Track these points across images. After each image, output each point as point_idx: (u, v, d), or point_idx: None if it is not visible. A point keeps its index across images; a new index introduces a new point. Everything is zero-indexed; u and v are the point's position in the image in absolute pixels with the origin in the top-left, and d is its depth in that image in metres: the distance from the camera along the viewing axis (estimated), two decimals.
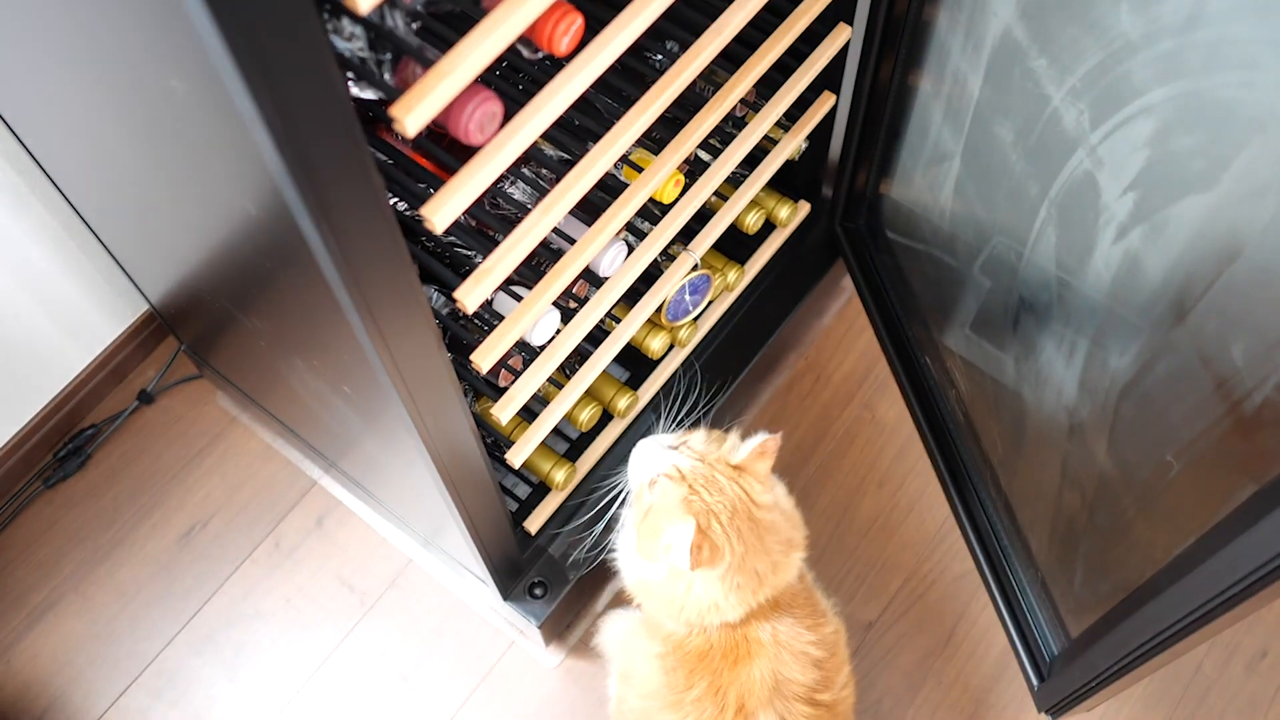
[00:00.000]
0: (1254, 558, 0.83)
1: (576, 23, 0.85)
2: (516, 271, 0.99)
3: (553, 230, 1.04)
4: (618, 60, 0.88)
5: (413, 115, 0.73)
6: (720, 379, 1.51)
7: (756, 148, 1.23)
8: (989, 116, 1.20)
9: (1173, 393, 1.02)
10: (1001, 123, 1.18)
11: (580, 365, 1.20)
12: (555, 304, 1.12)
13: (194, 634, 1.51)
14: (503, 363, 1.15)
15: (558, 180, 0.97)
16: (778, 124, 1.31)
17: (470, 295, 0.93)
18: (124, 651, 1.50)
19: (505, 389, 1.10)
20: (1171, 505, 1.05)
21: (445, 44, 0.78)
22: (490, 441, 1.27)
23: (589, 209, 1.08)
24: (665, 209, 1.16)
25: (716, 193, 1.25)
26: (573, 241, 1.06)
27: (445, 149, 1.02)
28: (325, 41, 0.58)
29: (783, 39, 1.12)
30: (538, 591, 1.37)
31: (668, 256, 1.29)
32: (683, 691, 1.08)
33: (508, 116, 0.85)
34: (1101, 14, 0.96)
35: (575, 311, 1.13)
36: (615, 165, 1.13)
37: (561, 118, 0.88)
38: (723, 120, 1.12)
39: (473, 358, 1.02)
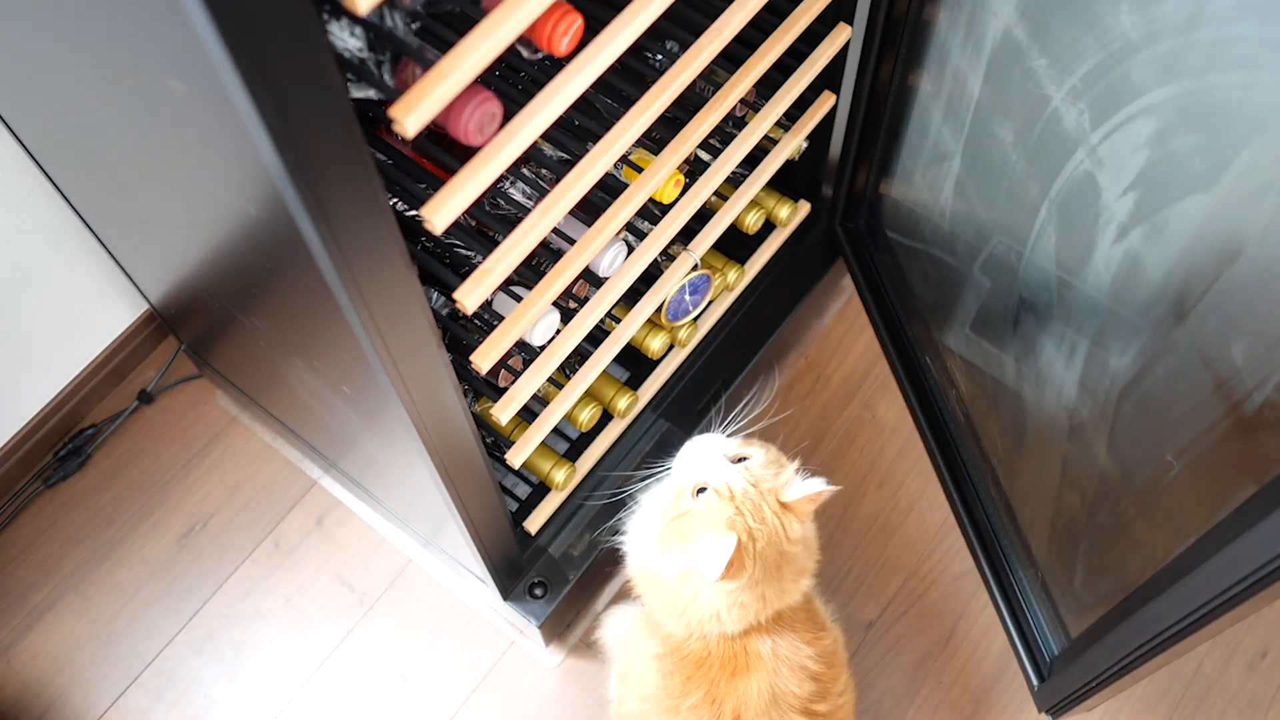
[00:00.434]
0: (1254, 558, 0.83)
1: (576, 23, 0.85)
2: (516, 272, 0.99)
3: (553, 230, 1.04)
4: (618, 60, 0.88)
5: (412, 116, 0.73)
6: (720, 379, 1.51)
7: (756, 148, 1.23)
8: (989, 116, 1.20)
9: (1173, 393, 1.02)
10: (1002, 123, 1.18)
11: (580, 365, 1.20)
12: (555, 304, 1.12)
13: (194, 634, 1.51)
14: (503, 363, 1.15)
15: (558, 180, 0.97)
16: (778, 124, 1.31)
17: (470, 295, 0.93)
18: (124, 651, 1.50)
19: (505, 389, 1.10)
20: (1171, 505, 1.05)
21: (445, 44, 0.78)
22: (490, 441, 1.27)
23: (589, 209, 1.08)
24: (665, 209, 1.16)
25: (716, 193, 1.25)
26: (573, 242, 1.06)
27: (445, 149, 1.02)
28: (325, 42, 0.58)
29: (783, 39, 1.12)
30: (538, 591, 1.37)
31: (668, 256, 1.29)
32: (679, 697, 1.08)
33: (507, 117, 0.85)
34: (1101, 14, 0.96)
35: (575, 311, 1.13)
36: (615, 165, 1.13)
37: (561, 118, 0.88)
38: (723, 120, 1.12)
39: (473, 358, 1.02)
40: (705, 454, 1.07)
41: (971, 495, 1.49)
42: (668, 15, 0.99)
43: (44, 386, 1.55)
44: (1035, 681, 1.36)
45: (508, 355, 1.05)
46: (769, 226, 1.45)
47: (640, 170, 1.12)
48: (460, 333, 1.09)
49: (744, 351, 1.54)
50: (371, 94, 0.83)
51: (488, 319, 1.10)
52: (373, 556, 1.56)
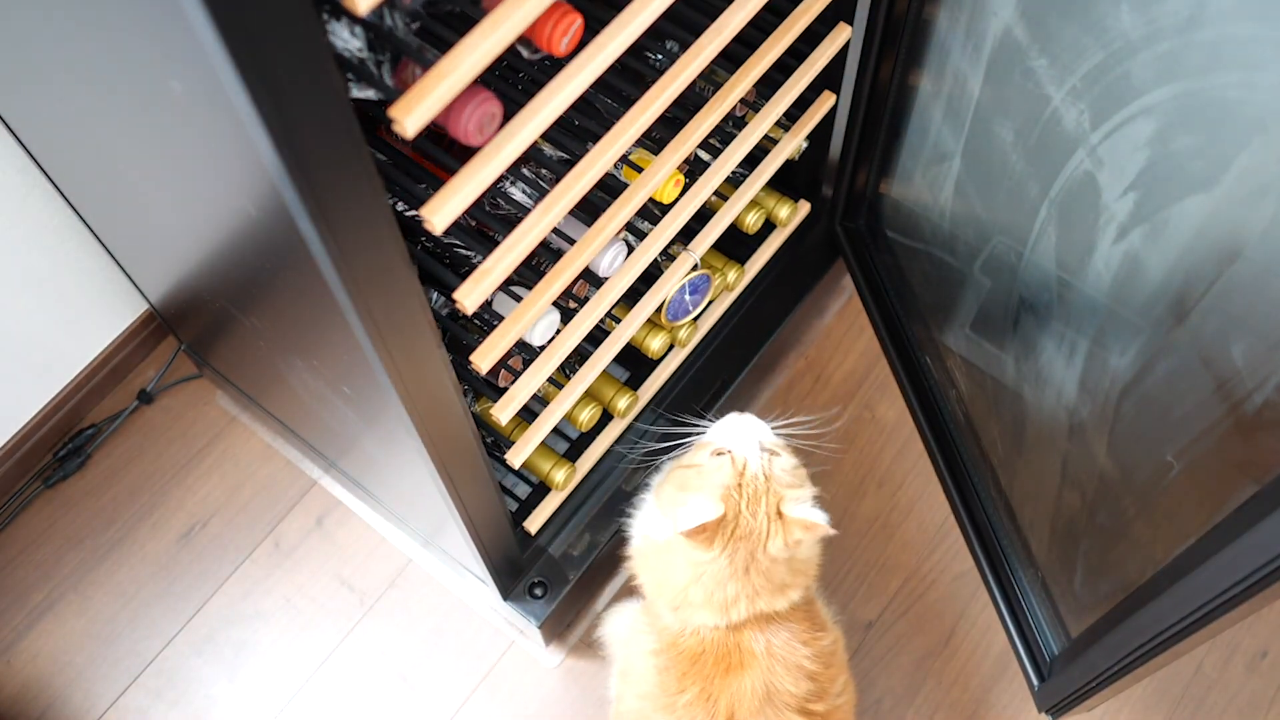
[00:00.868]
0: (1254, 558, 0.83)
1: (576, 23, 0.85)
2: (516, 272, 0.99)
3: (553, 230, 1.04)
4: (617, 60, 0.88)
5: (412, 116, 0.73)
6: (720, 379, 1.51)
7: (756, 147, 1.23)
8: (989, 116, 1.20)
9: (1173, 393, 1.02)
10: (1002, 122, 1.18)
11: (580, 365, 1.20)
12: (555, 304, 1.12)
13: (194, 634, 1.51)
14: (503, 363, 1.15)
15: (558, 180, 0.96)
16: (778, 124, 1.31)
17: (470, 296, 0.93)
18: (124, 651, 1.50)
19: (505, 389, 1.10)
20: (1171, 505, 1.05)
21: (445, 45, 0.78)
22: (490, 441, 1.27)
23: (589, 209, 1.08)
24: (665, 209, 1.16)
25: (716, 192, 1.25)
26: (573, 241, 1.06)
27: (445, 149, 1.02)
28: (325, 42, 0.58)
29: (783, 39, 1.12)
30: (538, 591, 1.37)
31: (668, 256, 1.29)
32: (675, 695, 1.08)
33: (507, 117, 0.85)
34: (1102, 14, 0.96)
35: (575, 311, 1.13)
36: (615, 165, 1.13)
37: (561, 118, 0.88)
38: (723, 120, 1.12)
39: (473, 358, 1.02)
40: (743, 426, 1.08)
41: (971, 495, 1.49)
42: (668, 15, 0.99)
43: (44, 386, 1.55)
44: (1035, 681, 1.36)
45: (508, 355, 1.05)
46: (769, 226, 1.45)
47: (640, 170, 1.12)
48: (460, 333, 1.09)
49: (744, 351, 1.54)
50: (371, 94, 0.83)
51: (488, 319, 1.10)
52: (373, 556, 1.56)
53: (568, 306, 1.16)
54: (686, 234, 1.26)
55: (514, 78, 1.11)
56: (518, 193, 1.10)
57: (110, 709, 1.47)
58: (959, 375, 1.50)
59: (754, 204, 1.37)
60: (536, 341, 1.11)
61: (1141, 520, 1.11)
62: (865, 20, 1.24)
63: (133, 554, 1.56)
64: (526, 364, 1.10)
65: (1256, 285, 0.88)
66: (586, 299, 1.14)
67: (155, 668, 1.49)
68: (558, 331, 1.13)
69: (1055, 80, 1.06)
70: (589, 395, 1.33)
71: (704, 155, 1.21)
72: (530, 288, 1.03)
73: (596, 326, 1.15)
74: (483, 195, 0.87)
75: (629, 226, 1.20)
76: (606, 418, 1.37)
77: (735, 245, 1.44)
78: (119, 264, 1.39)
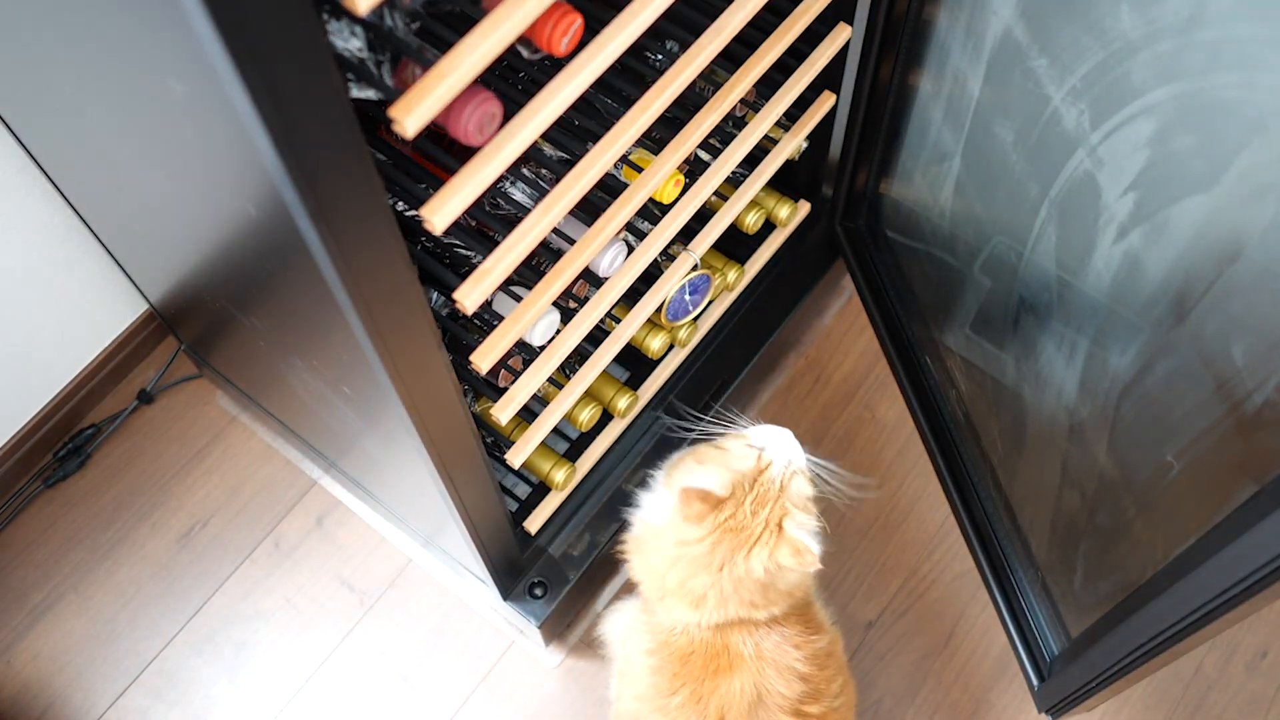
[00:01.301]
0: (1254, 558, 0.83)
1: (576, 23, 0.85)
2: (516, 272, 0.99)
3: (553, 230, 1.04)
4: (617, 60, 0.88)
5: (412, 116, 0.73)
6: (720, 379, 1.51)
7: (756, 147, 1.23)
8: (989, 116, 1.20)
9: (1173, 393, 1.02)
10: (1002, 122, 1.18)
11: (580, 365, 1.20)
12: (555, 304, 1.12)
13: (194, 634, 1.51)
14: (503, 363, 1.15)
15: (558, 180, 0.96)
16: (778, 124, 1.31)
17: (470, 296, 0.93)
18: (124, 651, 1.50)
19: (505, 389, 1.10)
20: (1171, 505, 1.05)
21: (445, 44, 0.78)
22: (490, 441, 1.27)
23: (589, 209, 1.08)
24: (665, 209, 1.16)
25: (716, 193, 1.25)
26: (573, 241, 1.06)
27: (445, 149, 1.02)
28: (325, 42, 0.58)
29: (783, 39, 1.12)
30: (538, 591, 1.37)
31: (668, 256, 1.29)
32: (668, 696, 1.08)
33: (507, 117, 0.85)
34: (1102, 14, 0.96)
35: (575, 311, 1.13)
36: (615, 165, 1.13)
37: (561, 118, 0.88)
38: (723, 120, 1.12)
39: (473, 358, 1.02)
40: (783, 438, 1.07)
41: (971, 495, 1.49)
42: (668, 15, 0.99)
43: (44, 386, 1.55)
44: (1035, 681, 1.36)
45: (508, 355, 1.05)
46: (769, 226, 1.45)
47: (640, 170, 1.12)
48: (460, 333, 1.09)
49: (744, 351, 1.53)
50: (371, 94, 0.83)
51: (488, 319, 1.10)
52: (373, 556, 1.56)
53: (568, 306, 1.16)
54: (686, 234, 1.26)
55: (514, 78, 1.11)
56: (518, 193, 1.10)
57: (110, 709, 1.47)
58: (959, 375, 1.50)
59: (754, 204, 1.37)
60: (536, 341, 1.11)
61: (1141, 520, 1.11)
62: (865, 20, 1.24)
63: (133, 554, 1.56)
64: (526, 364, 1.10)
65: (1256, 285, 0.88)
66: (586, 299, 1.14)
67: (155, 668, 1.49)
68: (558, 331, 1.13)
69: (1055, 80, 1.06)
70: (589, 395, 1.33)
71: (704, 155, 1.21)
72: (530, 288, 1.03)
73: (596, 326, 1.15)
74: (483, 195, 0.87)
75: (629, 226, 1.20)
76: (606, 418, 1.37)
77: (735, 245, 1.44)
78: (119, 264, 1.39)
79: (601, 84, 1.04)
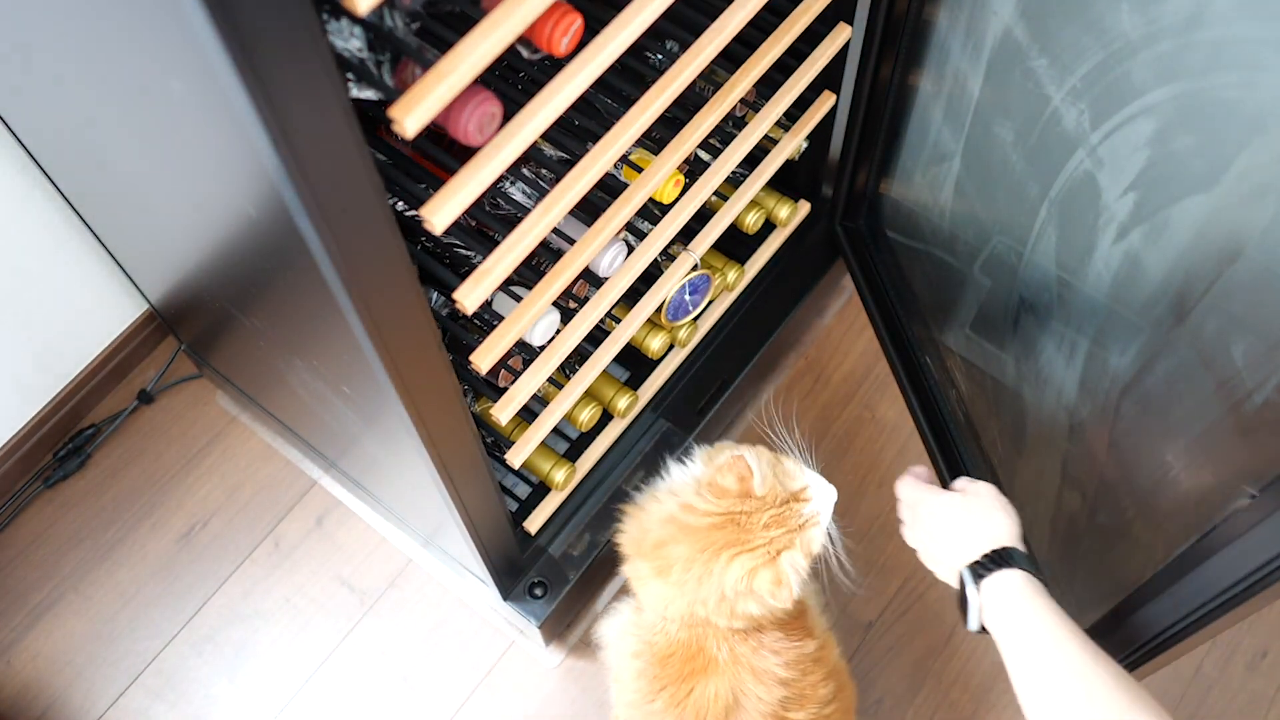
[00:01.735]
0: (1254, 558, 0.83)
1: (576, 23, 0.85)
2: (516, 272, 0.99)
3: (553, 230, 1.04)
4: (617, 60, 0.88)
5: (412, 116, 0.73)
6: (720, 379, 1.51)
7: (756, 147, 1.23)
8: (989, 116, 1.20)
9: (1173, 393, 1.02)
10: (1002, 122, 1.18)
11: (580, 365, 1.20)
12: (555, 304, 1.12)
13: (194, 634, 1.51)
14: (502, 363, 1.15)
15: (558, 180, 0.97)
16: (778, 124, 1.31)
17: (470, 296, 0.93)
18: (124, 651, 1.50)
19: (505, 389, 1.10)
20: (1171, 505, 1.05)
21: (445, 44, 0.78)
22: (490, 441, 1.27)
23: (589, 209, 1.08)
24: (665, 209, 1.16)
25: (716, 192, 1.25)
26: (573, 241, 1.06)
27: (445, 149, 1.02)
28: (325, 42, 0.58)
29: (783, 39, 1.12)
30: (538, 591, 1.37)
31: (668, 256, 1.29)
32: (650, 701, 1.07)
33: (507, 117, 0.85)
34: (1102, 14, 0.96)
35: (575, 311, 1.13)
36: (615, 165, 1.13)
37: (561, 118, 0.88)
38: (723, 120, 1.12)
39: (472, 358, 1.02)
40: (829, 492, 1.05)
41: None
42: (668, 15, 0.99)
43: (44, 386, 1.55)
44: None
45: (508, 355, 1.05)
46: (769, 226, 1.45)
47: (640, 170, 1.12)
48: (460, 333, 1.09)
49: (744, 351, 1.54)
50: (371, 94, 0.83)
51: (488, 319, 1.10)
52: (373, 556, 1.56)
53: (568, 306, 1.16)
54: (686, 234, 1.26)
55: (514, 78, 1.11)
56: (518, 193, 1.10)
57: (110, 709, 1.47)
58: (959, 375, 1.50)
59: (754, 204, 1.37)
60: (536, 341, 1.11)
61: (1141, 520, 1.11)
62: (865, 20, 1.24)
63: (133, 554, 1.56)
64: (526, 364, 1.10)
65: (1256, 285, 0.88)
66: (586, 299, 1.14)
67: (155, 668, 1.49)
68: (558, 331, 1.13)
69: (1055, 80, 1.06)
70: (589, 395, 1.33)
71: (704, 155, 1.21)
72: (530, 288, 1.03)
73: (596, 326, 1.15)
74: (483, 195, 0.87)
75: (629, 226, 1.20)
76: (606, 418, 1.37)
77: (735, 245, 1.44)
78: (119, 264, 1.39)
79: (601, 84, 1.04)
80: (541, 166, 1.13)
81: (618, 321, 1.23)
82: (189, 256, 1.05)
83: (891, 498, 1.60)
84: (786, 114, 1.26)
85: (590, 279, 1.16)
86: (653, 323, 1.31)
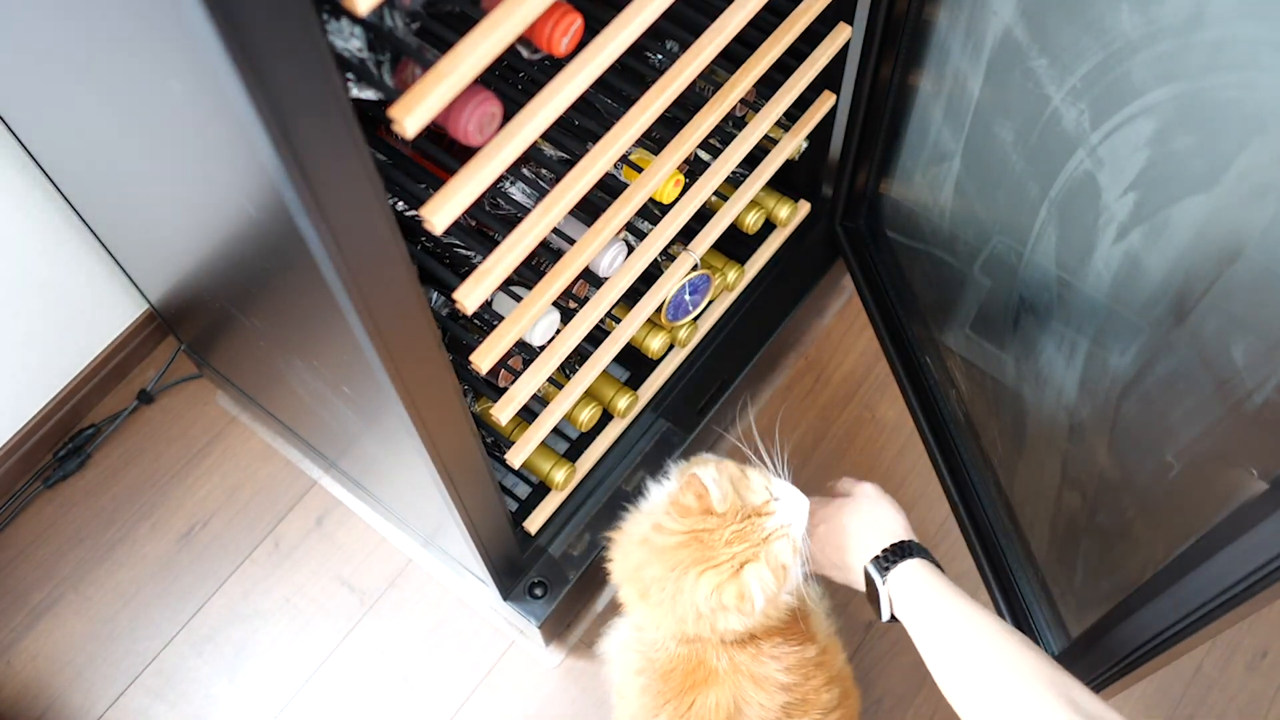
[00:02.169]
0: (1254, 558, 0.83)
1: (576, 23, 0.85)
2: (516, 272, 0.99)
3: (553, 230, 1.04)
4: (617, 60, 0.88)
5: (412, 116, 0.73)
6: (720, 379, 1.51)
7: (756, 147, 1.23)
8: (989, 116, 1.20)
9: (1173, 393, 1.02)
10: (1002, 122, 1.18)
11: (580, 365, 1.20)
12: (555, 304, 1.12)
13: (194, 634, 1.51)
14: (502, 363, 1.15)
15: (558, 180, 0.97)
16: (778, 124, 1.31)
17: (470, 296, 0.93)
18: (124, 651, 1.50)
19: (505, 389, 1.10)
20: (1171, 505, 1.05)
21: (445, 44, 0.78)
22: (490, 441, 1.27)
23: (589, 209, 1.08)
24: (665, 209, 1.16)
25: (716, 192, 1.25)
26: (573, 241, 1.06)
27: (445, 149, 1.02)
28: (324, 42, 0.58)
29: (783, 39, 1.12)
30: (538, 591, 1.37)
31: (668, 256, 1.29)
32: (654, 717, 1.06)
33: (507, 117, 0.85)
34: (1102, 14, 0.96)
35: (575, 311, 1.13)
36: (615, 165, 1.13)
37: (561, 118, 0.88)
38: (723, 120, 1.12)
39: (472, 358, 1.02)
40: (799, 501, 1.04)
41: (971, 495, 1.49)
42: (668, 15, 0.99)
43: (44, 386, 1.55)
44: None
45: (508, 355, 1.05)
46: (769, 226, 1.45)
47: (640, 170, 1.12)
48: (460, 333, 1.09)
49: (744, 351, 1.54)
50: (371, 94, 0.83)
51: (488, 319, 1.10)
52: (373, 556, 1.56)
53: (568, 306, 1.16)
54: (686, 234, 1.26)
55: (514, 78, 1.11)
56: (518, 193, 1.10)
57: (110, 709, 1.47)
58: (959, 375, 1.50)
59: (754, 204, 1.37)
60: (536, 341, 1.11)
61: (1141, 520, 1.11)
62: (865, 20, 1.24)
63: (133, 554, 1.56)
64: (526, 364, 1.10)
65: (1256, 285, 0.88)
66: (586, 299, 1.14)
67: (155, 668, 1.49)
68: (558, 331, 1.13)
69: (1055, 80, 1.06)
70: (589, 395, 1.33)
71: (704, 155, 1.21)
72: (530, 288, 1.03)
73: (596, 326, 1.15)
74: (483, 195, 0.87)
75: (629, 226, 1.20)
76: (606, 418, 1.37)
77: (735, 245, 1.44)
78: (119, 264, 1.39)
79: (601, 84, 1.04)
80: (541, 166, 1.13)
81: (618, 321, 1.23)
82: (189, 256, 1.05)
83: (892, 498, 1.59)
84: (786, 114, 1.26)
85: (590, 279, 1.16)
86: (653, 323, 1.31)
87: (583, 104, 1.11)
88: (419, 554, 1.55)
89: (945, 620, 0.94)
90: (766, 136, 1.27)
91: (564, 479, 1.30)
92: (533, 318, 1.03)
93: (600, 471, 1.40)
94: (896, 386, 1.63)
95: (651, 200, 1.16)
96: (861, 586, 1.03)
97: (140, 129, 0.80)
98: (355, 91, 0.83)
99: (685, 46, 1.00)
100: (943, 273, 1.45)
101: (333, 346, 0.87)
